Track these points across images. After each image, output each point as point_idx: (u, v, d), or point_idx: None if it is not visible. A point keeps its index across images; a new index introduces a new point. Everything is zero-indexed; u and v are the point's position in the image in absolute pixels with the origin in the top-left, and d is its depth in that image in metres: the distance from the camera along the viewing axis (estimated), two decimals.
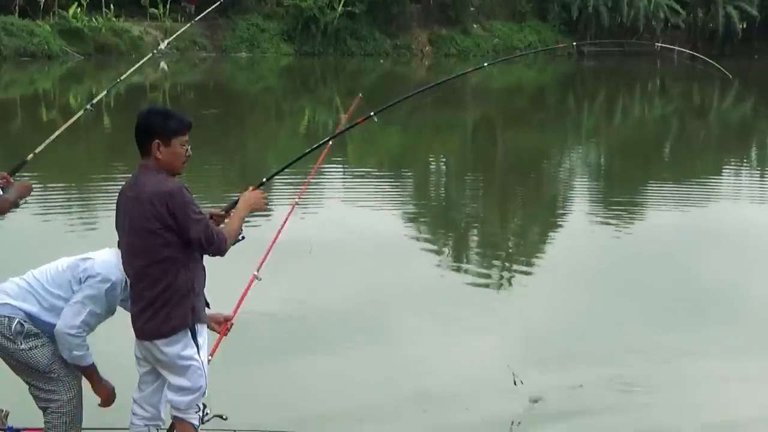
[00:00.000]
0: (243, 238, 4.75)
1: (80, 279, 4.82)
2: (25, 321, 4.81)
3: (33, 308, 4.82)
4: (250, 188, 4.90)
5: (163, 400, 4.79)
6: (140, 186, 4.51)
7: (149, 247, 4.47)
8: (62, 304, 4.81)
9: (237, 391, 6.56)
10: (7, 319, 4.80)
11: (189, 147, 4.61)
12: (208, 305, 4.78)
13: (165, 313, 4.51)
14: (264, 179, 5.30)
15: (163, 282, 4.49)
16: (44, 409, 4.88)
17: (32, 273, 4.93)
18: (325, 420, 6.40)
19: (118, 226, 4.64)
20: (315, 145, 5.82)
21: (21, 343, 4.80)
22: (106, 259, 4.85)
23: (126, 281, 4.73)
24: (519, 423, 6.42)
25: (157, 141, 4.50)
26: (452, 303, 9.25)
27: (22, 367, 4.85)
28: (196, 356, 4.62)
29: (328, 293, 9.24)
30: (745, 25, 60.25)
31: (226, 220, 4.84)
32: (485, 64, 7.32)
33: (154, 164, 4.53)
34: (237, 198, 4.88)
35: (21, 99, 28.93)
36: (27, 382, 4.90)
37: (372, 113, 5.78)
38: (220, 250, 4.53)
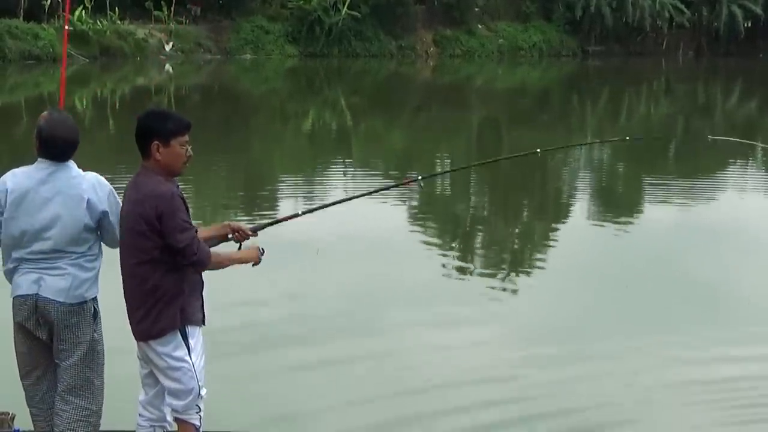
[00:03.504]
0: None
1: (98, 219, 4.67)
2: (96, 301, 4.77)
3: (89, 275, 4.71)
4: (258, 248, 4.92)
5: (166, 402, 4.79)
6: (137, 187, 4.55)
7: (138, 247, 4.51)
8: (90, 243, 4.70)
9: (234, 390, 6.57)
10: (90, 302, 4.72)
11: (189, 147, 4.63)
12: (203, 321, 4.78)
13: (154, 314, 4.54)
14: (301, 212, 5.57)
15: (150, 282, 4.51)
16: (62, 415, 4.78)
17: (54, 247, 4.60)
18: (325, 419, 6.41)
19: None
20: (352, 196, 6.13)
21: (96, 331, 4.75)
22: (86, 187, 4.66)
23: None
24: (519, 420, 6.43)
25: (156, 142, 4.52)
26: (455, 302, 9.27)
27: (79, 362, 4.71)
28: (187, 358, 4.63)
29: (331, 293, 9.26)
30: (749, 24, 60.17)
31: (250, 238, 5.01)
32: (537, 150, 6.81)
33: (154, 166, 4.55)
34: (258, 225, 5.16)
35: (26, 102, 28.97)
36: (68, 393, 4.74)
37: (419, 176, 6.03)
38: (200, 264, 4.55)
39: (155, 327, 4.55)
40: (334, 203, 5.94)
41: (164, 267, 4.50)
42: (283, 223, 5.51)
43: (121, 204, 4.74)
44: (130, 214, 4.52)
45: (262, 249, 4.90)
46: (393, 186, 5.71)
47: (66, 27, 7.76)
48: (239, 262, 4.83)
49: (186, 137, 4.60)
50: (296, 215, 5.46)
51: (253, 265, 4.87)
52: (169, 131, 4.54)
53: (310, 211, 5.66)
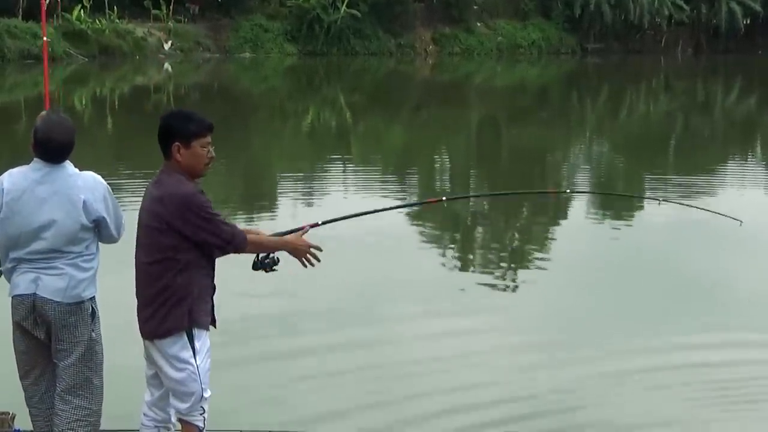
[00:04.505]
0: (274, 269, 4.85)
1: (94, 219, 4.63)
2: (94, 301, 4.75)
3: (86, 275, 4.68)
4: (304, 238, 4.88)
5: (170, 404, 4.79)
6: (159, 185, 4.54)
7: (152, 245, 4.50)
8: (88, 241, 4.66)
9: (237, 388, 6.58)
10: (88, 302, 4.70)
11: (212, 148, 4.62)
12: (214, 323, 4.78)
13: (162, 314, 4.53)
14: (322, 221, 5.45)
15: (161, 282, 4.51)
16: (61, 415, 4.75)
17: (51, 247, 4.58)
18: (326, 418, 6.42)
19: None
20: (380, 209, 6.03)
21: (94, 331, 4.73)
22: (82, 186, 4.62)
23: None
24: (517, 420, 6.44)
25: (176, 143, 4.51)
26: (453, 299, 9.30)
27: (78, 362, 4.69)
28: (191, 360, 4.61)
29: (329, 289, 9.25)
30: (748, 21, 60.22)
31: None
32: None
33: (175, 167, 4.54)
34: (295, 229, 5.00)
35: (25, 101, 28.99)
36: (67, 393, 4.72)
37: (444, 198, 5.97)
38: (239, 248, 4.59)
39: (162, 327, 4.55)
40: (360, 214, 5.79)
41: (177, 267, 4.49)
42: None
43: (116, 202, 4.74)
44: (149, 212, 4.51)
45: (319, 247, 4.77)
46: (418, 204, 5.86)
47: (45, 39, 7.78)
48: (285, 246, 4.79)
49: (208, 138, 4.57)
50: (316, 224, 5.36)
51: (303, 264, 4.81)
52: (191, 132, 4.53)
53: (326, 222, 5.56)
